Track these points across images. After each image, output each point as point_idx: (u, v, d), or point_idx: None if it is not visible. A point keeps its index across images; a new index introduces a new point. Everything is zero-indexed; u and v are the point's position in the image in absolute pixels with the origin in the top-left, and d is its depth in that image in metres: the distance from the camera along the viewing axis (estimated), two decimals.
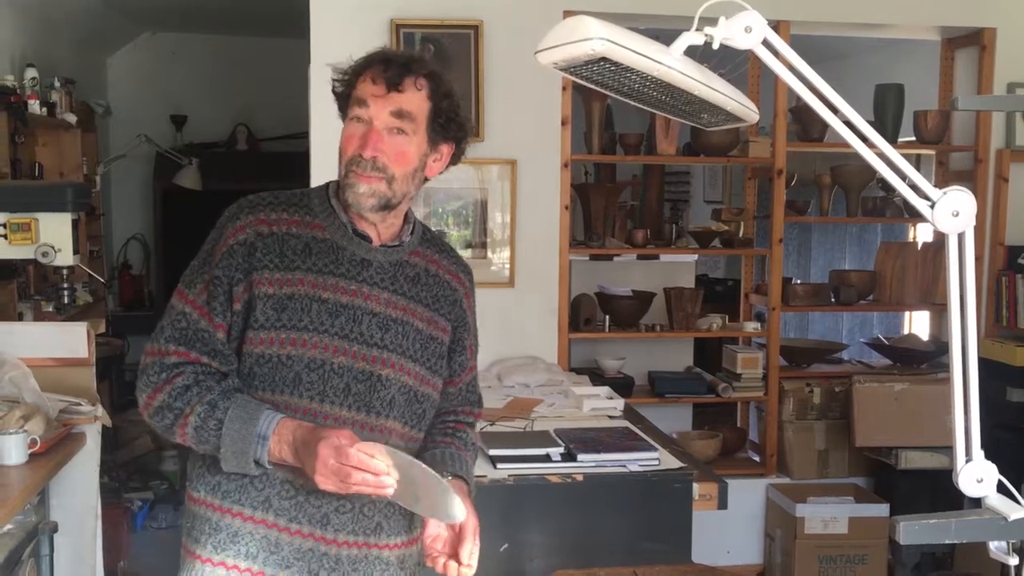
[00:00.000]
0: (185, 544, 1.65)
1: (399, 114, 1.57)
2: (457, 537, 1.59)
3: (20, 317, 3.98)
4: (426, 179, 1.67)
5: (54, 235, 2.86)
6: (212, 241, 1.63)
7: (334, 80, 1.63)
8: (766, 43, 1.25)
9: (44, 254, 2.86)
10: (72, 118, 4.89)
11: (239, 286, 1.57)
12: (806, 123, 4.18)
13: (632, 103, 1.38)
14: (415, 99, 1.58)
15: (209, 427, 1.52)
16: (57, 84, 4.78)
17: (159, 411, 1.56)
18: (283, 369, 1.56)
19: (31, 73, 4.50)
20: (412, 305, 1.66)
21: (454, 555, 1.57)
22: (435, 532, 1.61)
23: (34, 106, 4.39)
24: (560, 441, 2.57)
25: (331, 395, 1.57)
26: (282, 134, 6.35)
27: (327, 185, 1.68)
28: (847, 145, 1.34)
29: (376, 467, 1.44)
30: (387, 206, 1.60)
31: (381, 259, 1.64)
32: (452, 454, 1.70)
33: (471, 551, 1.57)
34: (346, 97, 1.62)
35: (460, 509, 1.51)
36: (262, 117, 6.48)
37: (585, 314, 4.06)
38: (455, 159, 1.69)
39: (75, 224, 2.94)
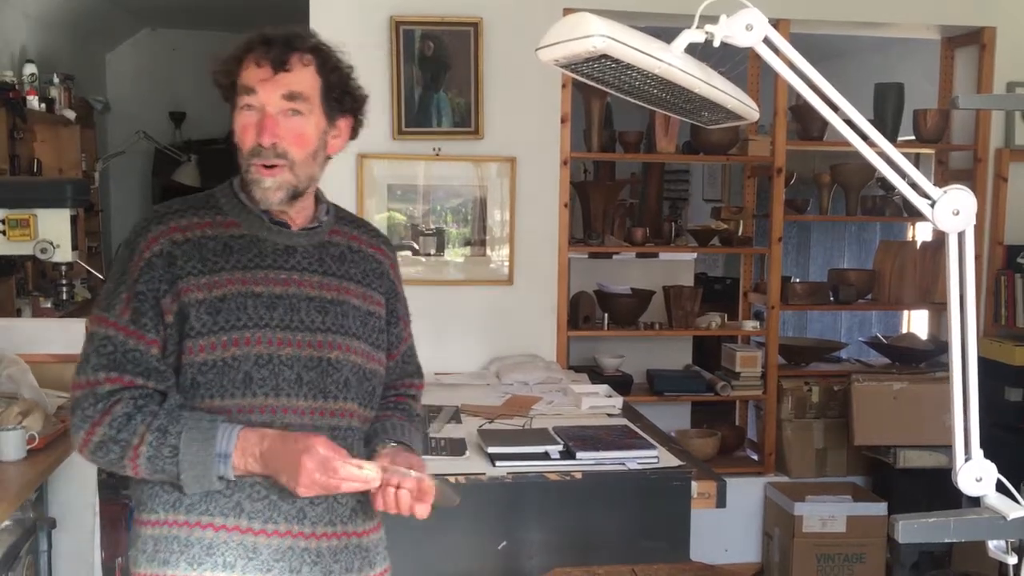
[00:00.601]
0: (145, 574, 1.54)
1: (291, 96, 1.51)
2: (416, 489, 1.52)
3: (18, 313, 3.98)
4: (328, 157, 1.62)
5: (53, 231, 2.87)
6: (123, 260, 1.56)
7: (214, 71, 1.56)
8: (767, 41, 1.25)
9: (43, 250, 2.86)
10: (71, 114, 4.89)
11: (166, 297, 1.50)
12: (806, 122, 4.18)
13: (633, 101, 1.38)
14: (304, 77, 1.53)
15: (164, 455, 1.45)
16: (56, 80, 4.78)
17: (102, 446, 1.47)
18: (231, 372, 1.50)
19: (30, 69, 4.50)
20: (345, 284, 1.63)
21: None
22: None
23: (33, 102, 4.39)
24: (559, 439, 2.57)
25: (285, 388, 1.52)
26: None
27: (231, 181, 1.63)
28: (847, 144, 1.34)
29: (367, 477, 1.44)
30: (295, 195, 1.56)
31: (304, 243, 1.61)
32: (393, 424, 1.67)
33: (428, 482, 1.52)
34: (231, 87, 1.55)
35: (450, 493, 1.53)
36: None
37: (584, 312, 4.06)
38: (354, 133, 1.65)
39: (74, 220, 2.95)
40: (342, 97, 1.58)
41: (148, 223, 1.57)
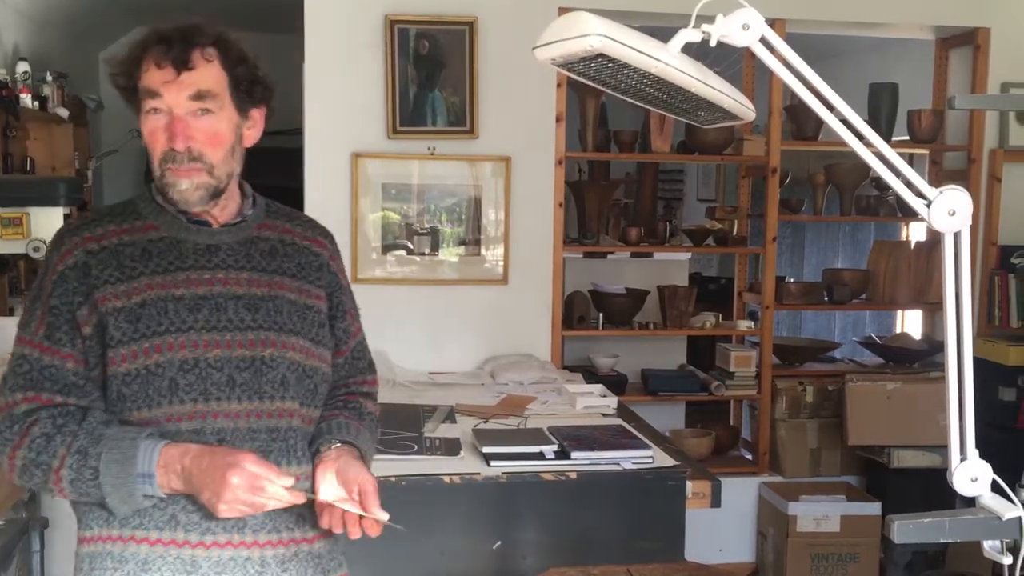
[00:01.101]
0: None
1: (198, 95, 1.45)
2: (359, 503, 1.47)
3: (11, 312, 3.96)
4: (246, 149, 1.55)
5: (45, 230, 2.85)
6: (40, 276, 1.50)
7: (112, 74, 1.49)
8: (763, 41, 1.24)
9: (35, 249, 2.85)
10: (64, 112, 4.87)
11: (82, 309, 1.45)
12: (800, 122, 4.19)
13: (629, 100, 1.38)
14: (210, 74, 1.46)
15: (85, 478, 1.39)
16: (49, 78, 4.76)
17: (25, 470, 1.42)
18: (155, 380, 1.43)
19: (23, 67, 4.48)
20: (276, 279, 1.55)
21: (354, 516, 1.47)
22: (332, 497, 1.49)
23: (26, 100, 4.36)
24: (554, 439, 2.56)
25: (214, 391, 1.45)
26: (275, 130, 6.32)
27: (149, 186, 1.55)
28: (841, 144, 1.34)
29: (294, 500, 1.39)
30: (216, 194, 1.50)
31: (228, 240, 1.54)
32: (339, 423, 1.58)
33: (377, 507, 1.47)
34: (132, 90, 1.47)
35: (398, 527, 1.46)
36: None
37: (579, 312, 4.06)
38: (268, 119, 1.59)
39: (67, 219, 2.93)
40: (252, 88, 1.52)
41: (62, 236, 1.51)
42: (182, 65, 1.44)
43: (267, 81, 1.55)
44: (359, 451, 1.57)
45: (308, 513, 1.51)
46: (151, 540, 1.44)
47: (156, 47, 1.45)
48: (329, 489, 1.48)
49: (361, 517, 1.45)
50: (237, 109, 1.51)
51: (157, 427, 1.43)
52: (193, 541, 1.44)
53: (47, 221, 2.86)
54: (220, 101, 1.47)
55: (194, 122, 1.45)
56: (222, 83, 1.48)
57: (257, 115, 1.56)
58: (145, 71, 1.45)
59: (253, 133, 1.56)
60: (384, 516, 1.45)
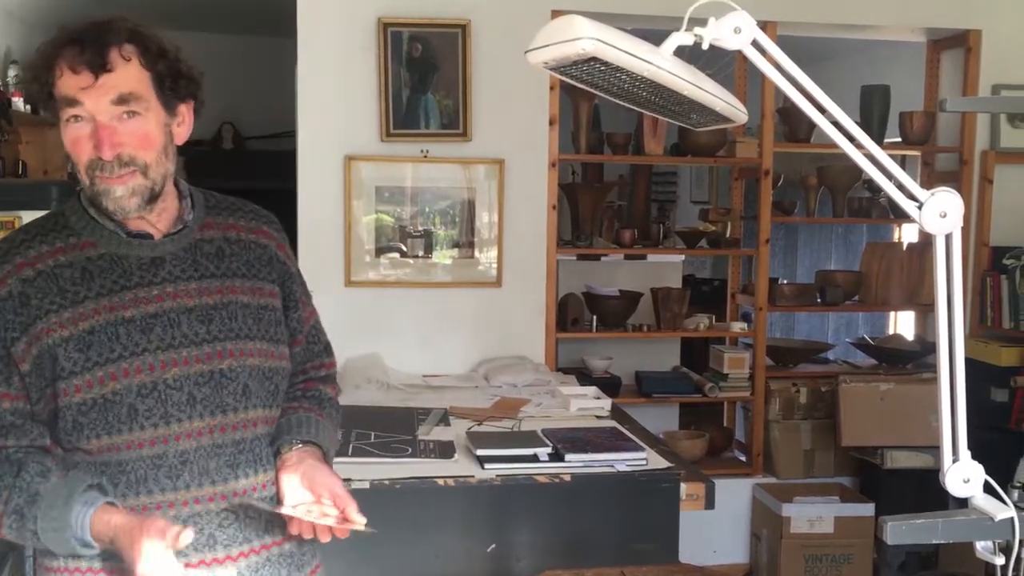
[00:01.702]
0: None
1: (121, 99, 1.35)
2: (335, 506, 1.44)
3: None
4: (177, 147, 1.47)
5: None
6: None
7: (24, 82, 1.41)
8: (755, 44, 1.25)
9: None
10: None
11: (18, 345, 1.37)
12: (793, 124, 4.20)
13: (621, 103, 1.38)
14: (130, 74, 1.36)
15: (27, 537, 1.35)
16: (14, 74, 4.74)
17: None
18: (113, 408, 1.37)
19: (14, 71, 4.47)
20: (228, 282, 1.49)
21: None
22: (296, 500, 1.47)
23: (18, 104, 4.36)
24: (548, 441, 2.56)
25: (175, 413, 1.40)
26: (268, 133, 6.33)
27: (78, 195, 1.45)
28: (833, 146, 1.35)
29: None
30: (152, 198, 1.41)
31: (172, 249, 1.46)
32: (299, 419, 1.54)
33: (353, 509, 1.43)
34: (47, 96, 1.37)
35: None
36: (248, 116, 6.45)
37: (572, 314, 4.06)
38: (197, 112, 1.49)
39: None
40: (176, 84, 1.42)
41: None
42: (99, 68, 1.33)
43: (192, 73, 1.45)
44: (321, 449, 1.54)
45: (275, 518, 1.48)
46: (122, 570, 1.38)
47: (68, 49, 1.35)
48: (294, 495, 1.47)
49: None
50: (164, 107, 1.41)
51: (117, 454, 1.39)
52: None
53: None
54: (145, 102, 1.38)
55: (120, 127, 1.36)
56: (145, 82, 1.38)
57: (185, 110, 1.46)
58: (59, 77, 1.35)
59: (183, 130, 1.47)
60: (362, 521, 1.42)
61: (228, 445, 1.45)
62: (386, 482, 2.31)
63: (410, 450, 2.52)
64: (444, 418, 2.91)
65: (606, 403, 3.13)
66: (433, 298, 3.81)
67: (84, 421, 1.38)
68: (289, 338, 1.59)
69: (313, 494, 1.46)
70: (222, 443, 1.44)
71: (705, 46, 1.24)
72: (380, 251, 3.78)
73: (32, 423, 1.40)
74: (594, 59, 1.17)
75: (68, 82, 1.35)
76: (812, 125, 4.09)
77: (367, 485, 2.29)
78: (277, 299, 1.56)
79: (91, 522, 1.32)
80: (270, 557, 1.50)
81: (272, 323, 1.54)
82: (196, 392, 1.42)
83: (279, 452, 1.52)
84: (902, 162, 4.76)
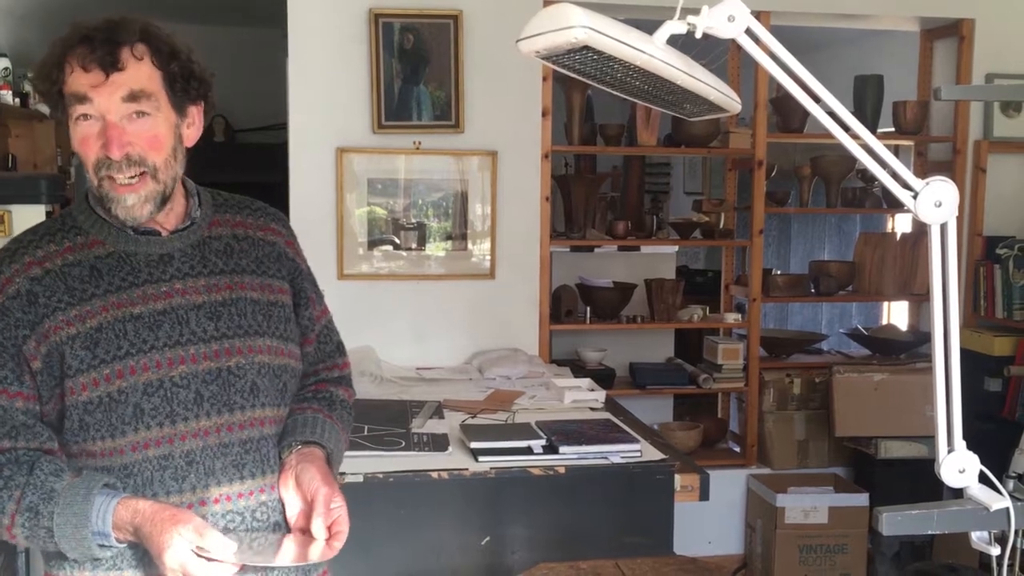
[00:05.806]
0: None
1: (132, 96, 1.35)
2: (311, 508, 1.43)
3: None
4: (187, 149, 1.46)
5: (27, 227, 2.82)
6: None
7: (33, 80, 1.40)
8: (749, 32, 1.24)
9: None
10: (46, 109, 4.82)
11: (29, 343, 1.36)
12: (786, 114, 4.19)
13: (614, 93, 1.37)
14: (141, 73, 1.35)
15: (40, 536, 1.32)
16: (30, 74, 4.72)
17: None
18: (119, 407, 1.36)
19: (3, 63, 4.44)
20: (237, 279, 1.48)
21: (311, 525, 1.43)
22: (292, 506, 1.46)
23: (7, 97, 4.33)
24: (542, 433, 2.56)
25: (181, 412, 1.39)
26: (260, 125, 6.30)
27: (86, 195, 1.45)
28: (827, 136, 1.34)
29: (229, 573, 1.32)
30: (163, 201, 1.41)
31: (180, 246, 1.46)
32: (305, 419, 1.53)
33: (343, 519, 1.42)
34: (57, 95, 1.37)
35: (316, 551, 1.39)
36: (240, 108, 6.41)
37: (566, 306, 4.06)
38: (207, 116, 1.49)
39: (49, 216, 2.91)
40: (188, 85, 1.41)
41: (0, 262, 1.41)
42: (111, 66, 1.33)
43: (204, 74, 1.45)
44: (325, 450, 1.52)
45: (282, 521, 1.47)
46: None
47: (79, 48, 1.34)
48: (290, 501, 1.46)
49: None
50: (174, 108, 1.41)
51: (121, 456, 1.37)
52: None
53: (29, 219, 2.83)
54: (156, 101, 1.37)
55: (130, 127, 1.36)
56: (156, 81, 1.37)
57: (195, 112, 1.46)
58: (70, 74, 1.34)
59: (193, 132, 1.46)
60: (321, 537, 1.38)
61: (235, 444, 1.43)
62: (380, 475, 2.31)
63: (404, 443, 2.51)
64: (438, 411, 2.90)
65: (600, 395, 3.13)
66: (426, 290, 3.80)
67: (90, 421, 1.37)
68: (300, 337, 1.57)
69: (304, 502, 1.45)
70: (229, 442, 1.43)
71: (699, 34, 1.23)
72: (373, 244, 3.77)
73: (42, 426, 1.39)
74: (586, 48, 1.16)
75: (78, 79, 1.34)
76: (805, 115, 4.09)
77: (360, 479, 2.28)
78: (287, 296, 1.55)
79: (115, 509, 1.31)
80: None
81: (282, 320, 1.52)
82: (203, 390, 1.41)
83: (279, 456, 1.50)
84: (895, 152, 4.73)
